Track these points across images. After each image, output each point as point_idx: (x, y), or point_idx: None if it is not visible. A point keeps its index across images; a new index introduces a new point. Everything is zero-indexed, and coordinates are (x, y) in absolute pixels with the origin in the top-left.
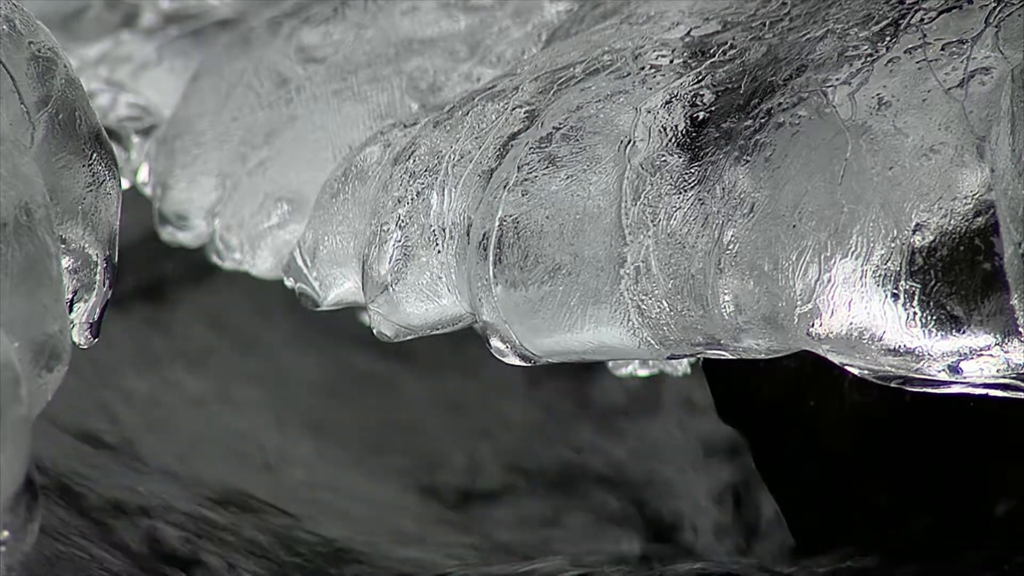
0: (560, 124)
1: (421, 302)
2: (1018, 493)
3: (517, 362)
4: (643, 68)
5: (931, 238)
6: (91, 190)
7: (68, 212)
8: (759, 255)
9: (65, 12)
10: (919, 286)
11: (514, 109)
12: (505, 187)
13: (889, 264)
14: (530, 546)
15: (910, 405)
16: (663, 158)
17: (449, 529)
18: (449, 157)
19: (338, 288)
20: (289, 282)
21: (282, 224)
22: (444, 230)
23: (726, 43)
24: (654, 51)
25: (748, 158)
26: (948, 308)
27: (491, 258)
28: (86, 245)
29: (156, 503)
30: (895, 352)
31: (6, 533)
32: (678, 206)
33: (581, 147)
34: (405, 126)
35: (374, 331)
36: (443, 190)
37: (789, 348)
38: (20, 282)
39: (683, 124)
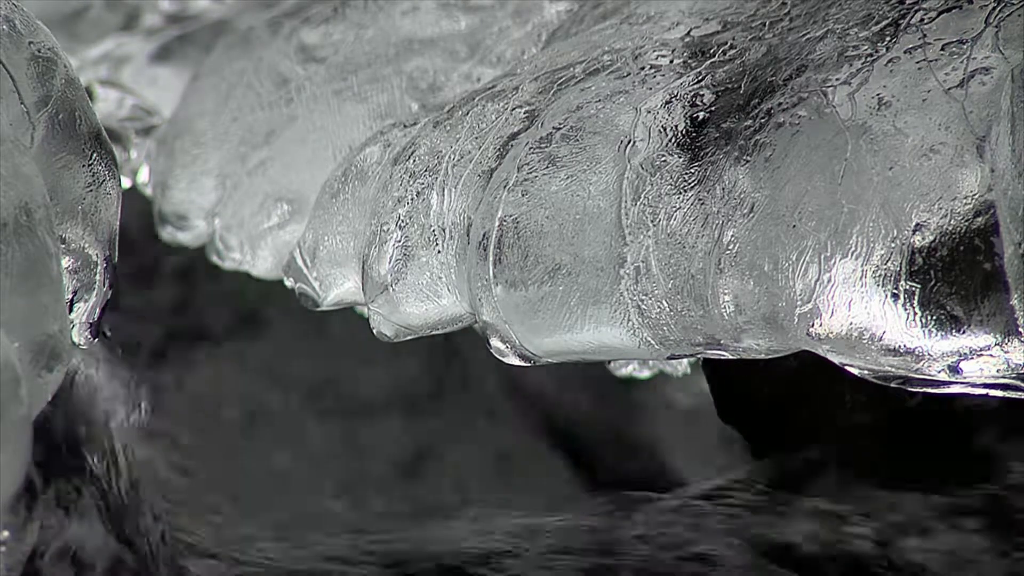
0: (560, 124)
1: (421, 302)
2: (1018, 493)
3: (517, 362)
4: (643, 68)
5: (931, 238)
6: (91, 190)
7: (68, 212)
8: (759, 255)
9: (65, 12)
10: (919, 286)
11: (514, 109)
12: (505, 187)
13: (889, 264)
14: None
15: (910, 405)
16: (663, 158)
17: None
18: (449, 157)
19: (338, 288)
20: (289, 282)
21: (282, 224)
22: (444, 230)
23: (726, 43)
24: (654, 51)
25: (748, 158)
26: (948, 308)
27: (491, 258)
28: (86, 245)
29: None
30: (895, 352)
31: (6, 533)
32: (678, 206)
33: (581, 147)
34: (405, 126)
35: (374, 331)
36: (443, 190)
37: (789, 348)
38: (20, 282)
39: (683, 124)
